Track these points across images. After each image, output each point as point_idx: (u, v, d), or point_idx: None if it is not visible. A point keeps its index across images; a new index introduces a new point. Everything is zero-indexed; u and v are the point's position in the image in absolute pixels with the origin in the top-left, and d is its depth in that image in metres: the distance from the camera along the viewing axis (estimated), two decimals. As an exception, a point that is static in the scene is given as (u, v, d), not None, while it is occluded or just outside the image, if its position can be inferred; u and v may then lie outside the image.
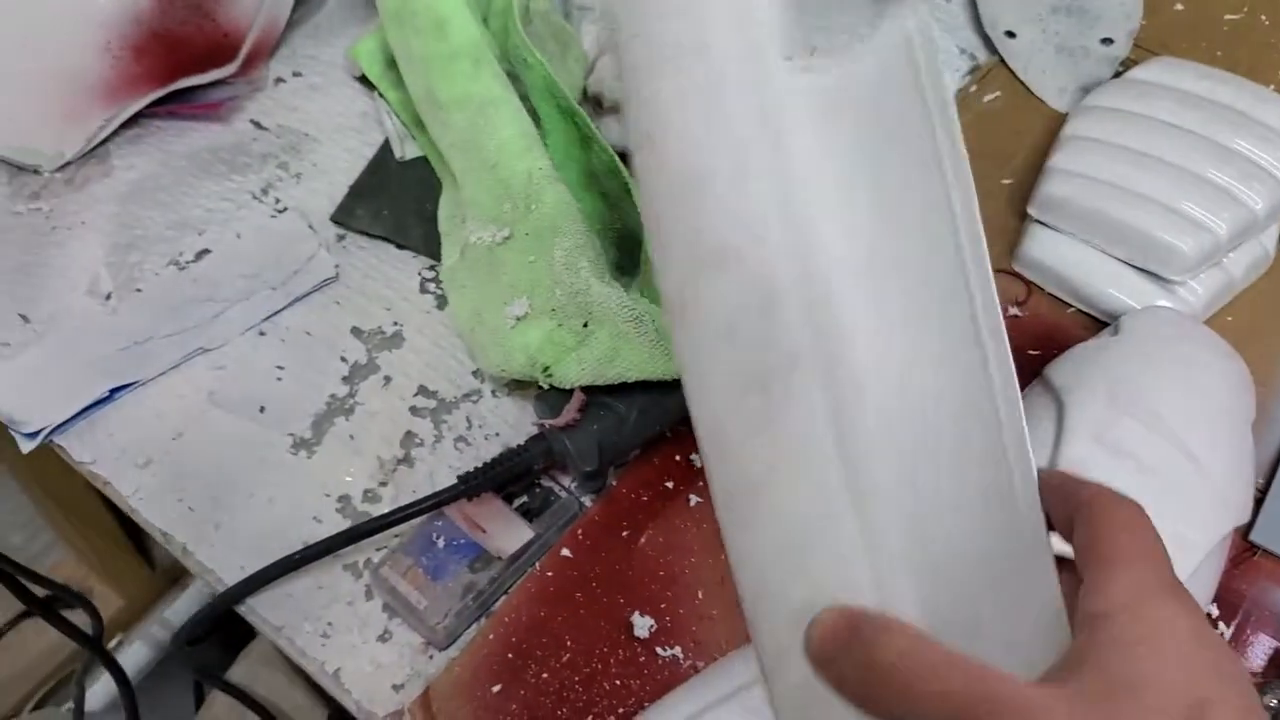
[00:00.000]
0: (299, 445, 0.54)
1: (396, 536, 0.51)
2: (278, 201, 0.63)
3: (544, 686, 0.48)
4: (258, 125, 0.67)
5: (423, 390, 0.56)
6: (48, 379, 0.56)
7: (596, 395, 0.51)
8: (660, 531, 0.52)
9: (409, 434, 0.55)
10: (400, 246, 0.61)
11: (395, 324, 0.59)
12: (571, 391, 0.51)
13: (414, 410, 0.56)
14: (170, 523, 0.52)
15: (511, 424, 0.55)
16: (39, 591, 0.71)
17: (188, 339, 0.57)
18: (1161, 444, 0.50)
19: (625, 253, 0.57)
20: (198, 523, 0.52)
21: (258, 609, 0.50)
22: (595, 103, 0.63)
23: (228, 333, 0.58)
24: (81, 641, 0.67)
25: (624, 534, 0.52)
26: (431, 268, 0.61)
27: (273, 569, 0.50)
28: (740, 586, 0.33)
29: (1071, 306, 0.59)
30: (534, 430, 0.54)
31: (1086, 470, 0.48)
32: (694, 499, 0.53)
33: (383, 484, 0.53)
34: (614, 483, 0.53)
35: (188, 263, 0.60)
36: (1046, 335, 0.58)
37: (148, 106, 0.65)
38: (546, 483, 0.53)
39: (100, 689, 0.96)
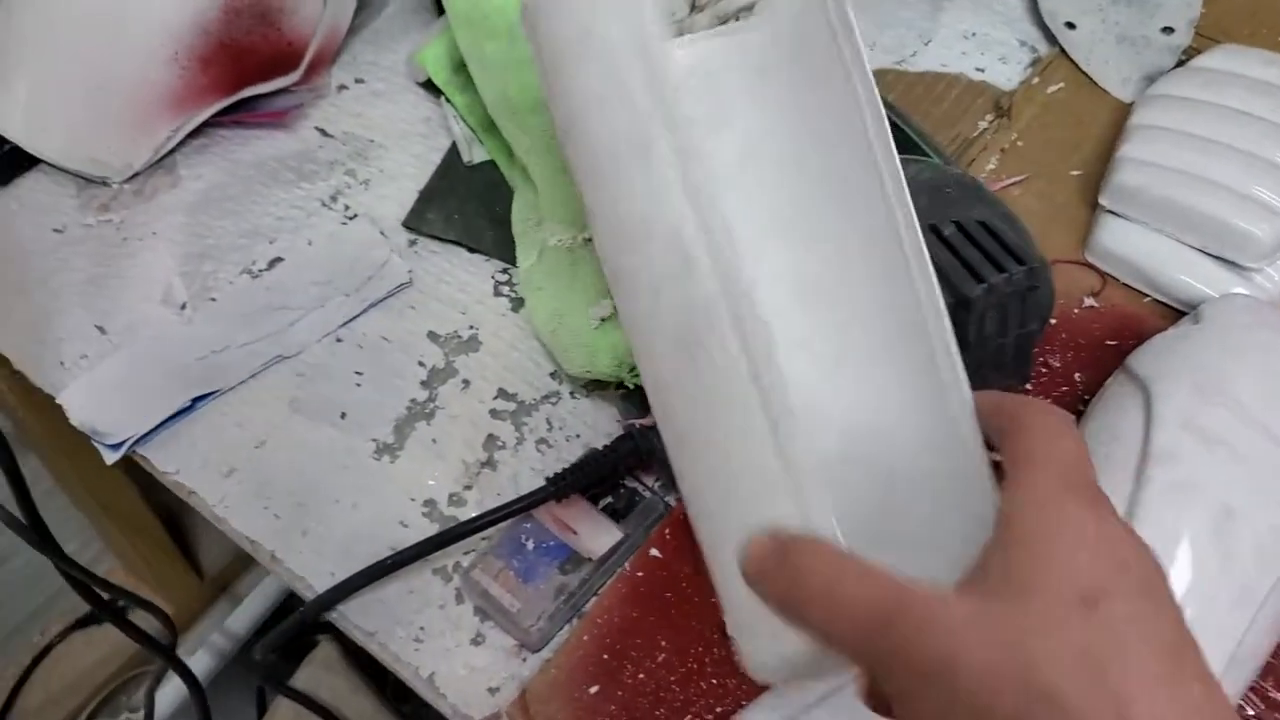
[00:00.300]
0: (382, 450, 0.55)
1: (484, 540, 0.52)
2: (347, 208, 0.63)
3: (640, 687, 0.48)
4: (323, 133, 0.67)
5: (502, 393, 0.56)
6: (128, 390, 0.56)
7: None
8: (747, 530, 0.52)
9: (490, 437, 0.55)
10: (472, 250, 0.61)
11: (471, 328, 0.59)
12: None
13: (494, 413, 0.56)
14: (257, 531, 0.52)
15: (591, 425, 0.55)
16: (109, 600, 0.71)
17: (265, 347, 0.57)
18: (1248, 431, 0.49)
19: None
20: (285, 531, 0.52)
21: (349, 615, 0.50)
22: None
23: (305, 340, 0.58)
24: (154, 649, 0.67)
25: (711, 533, 0.52)
26: (504, 271, 0.61)
27: (364, 574, 0.50)
28: (692, 519, 0.37)
29: (1147, 296, 0.59)
30: (615, 430, 0.54)
31: (1180, 460, 0.48)
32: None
33: (467, 487, 0.54)
34: (698, 482, 0.53)
35: (261, 271, 0.60)
36: (1123, 325, 0.58)
37: (212, 116, 0.65)
38: (631, 483, 0.53)
39: (161, 699, 0.97)
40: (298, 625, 0.51)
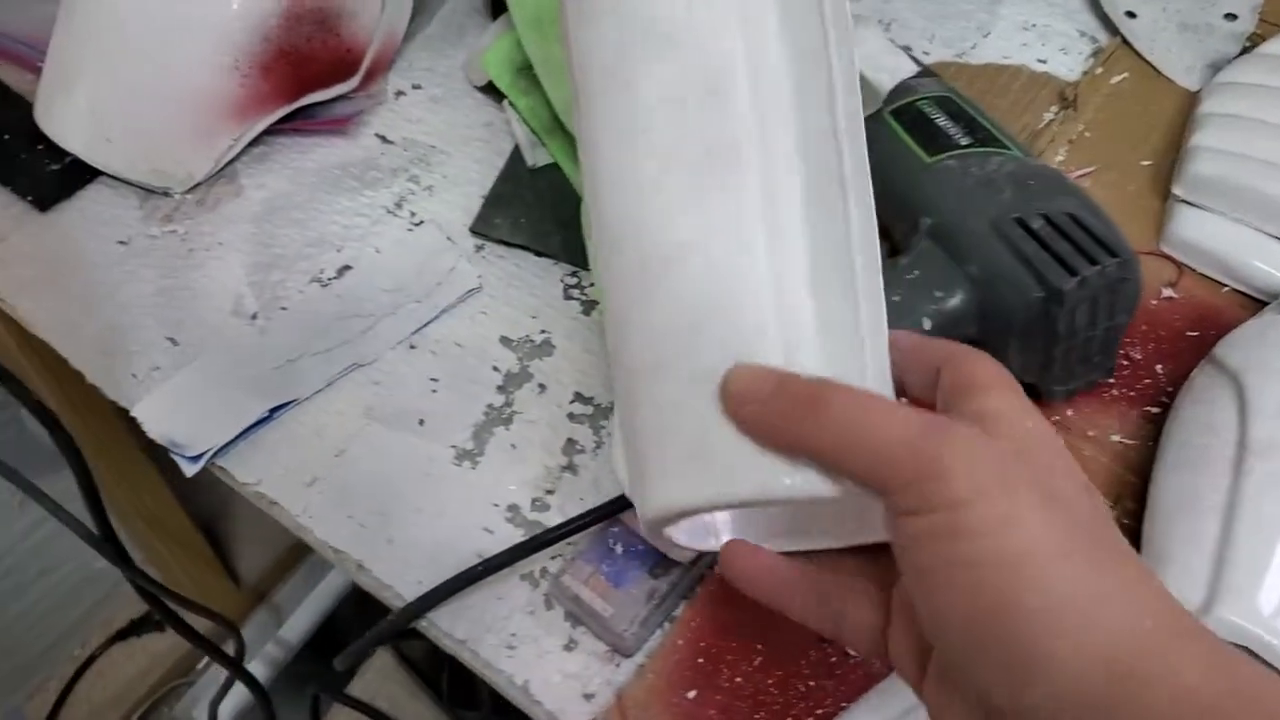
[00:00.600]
0: (462, 456, 0.54)
1: (570, 544, 0.51)
2: (413, 215, 0.63)
3: (738, 690, 0.47)
4: (384, 139, 0.67)
5: (579, 397, 0.56)
6: (204, 401, 0.56)
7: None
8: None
9: (570, 441, 0.55)
10: (539, 254, 0.61)
11: (543, 332, 0.58)
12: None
13: (572, 417, 0.55)
14: (342, 540, 0.52)
15: (671, 427, 0.55)
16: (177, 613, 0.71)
17: (339, 355, 0.57)
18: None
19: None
20: (370, 539, 0.52)
21: (438, 623, 0.50)
22: None
23: (378, 348, 0.57)
24: (223, 661, 0.67)
25: (800, 533, 0.51)
26: (574, 274, 0.60)
27: (455, 581, 0.49)
28: (627, 358, 0.37)
29: (1225, 286, 0.59)
30: (697, 433, 0.54)
31: None
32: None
33: (549, 492, 0.53)
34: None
35: (330, 279, 0.60)
36: (1202, 316, 0.58)
37: (271, 125, 0.65)
38: (716, 484, 0.53)
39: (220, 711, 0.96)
40: (388, 634, 0.51)
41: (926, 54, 0.69)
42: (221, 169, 0.65)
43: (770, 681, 0.48)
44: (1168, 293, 0.59)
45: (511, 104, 0.64)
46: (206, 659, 1.24)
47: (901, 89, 0.57)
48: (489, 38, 0.68)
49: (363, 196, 0.64)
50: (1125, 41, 0.69)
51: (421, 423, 0.55)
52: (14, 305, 0.60)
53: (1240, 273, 0.58)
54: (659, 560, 0.50)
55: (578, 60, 0.39)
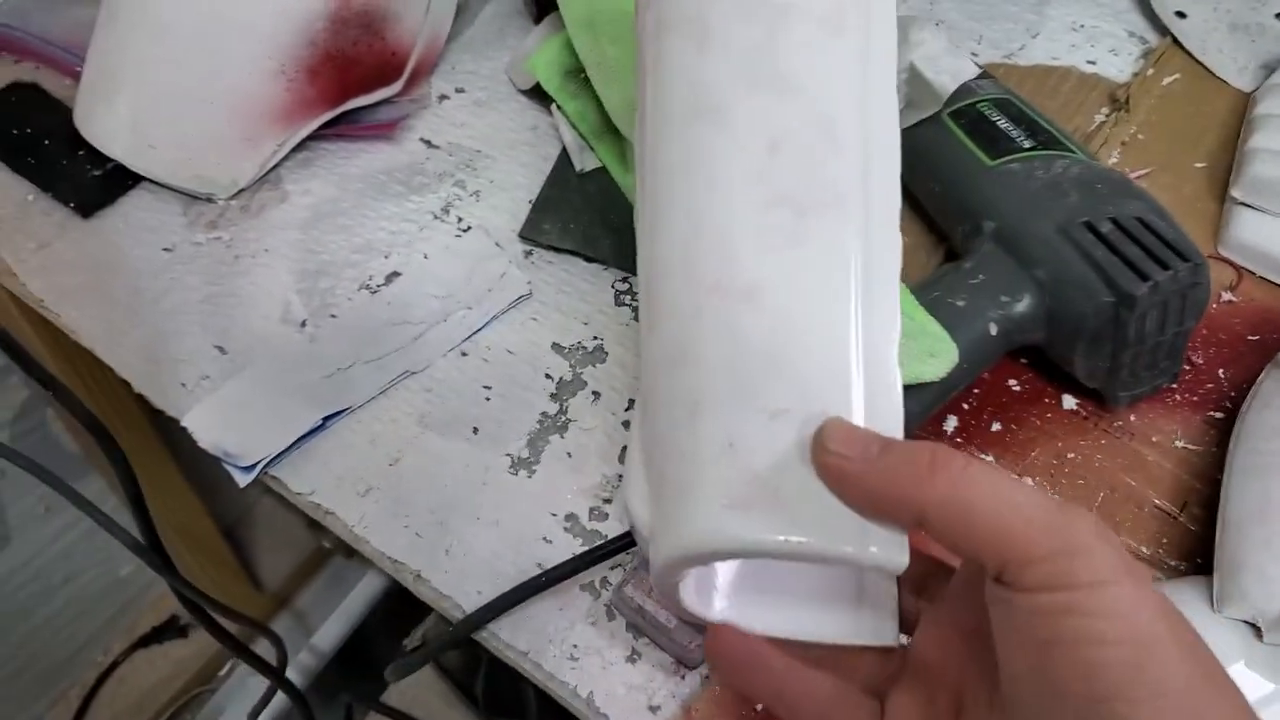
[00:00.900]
0: (518, 465, 0.54)
1: (630, 554, 0.51)
2: (460, 220, 0.62)
3: (807, 702, 0.47)
4: (429, 144, 0.66)
5: (633, 404, 0.55)
6: (255, 410, 0.55)
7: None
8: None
9: (626, 449, 0.54)
10: (589, 260, 0.60)
11: (595, 338, 0.58)
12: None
13: (627, 425, 0.55)
14: (399, 550, 0.51)
15: (728, 435, 0.54)
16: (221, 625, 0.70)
17: (391, 363, 0.56)
18: None
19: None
20: (428, 549, 0.51)
21: (499, 634, 0.49)
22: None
23: (430, 355, 0.57)
24: (265, 672, 0.66)
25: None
26: (624, 280, 0.60)
27: (517, 592, 0.49)
28: (681, 387, 0.35)
29: (1287, 289, 0.58)
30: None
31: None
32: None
33: (607, 500, 0.53)
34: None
35: (379, 286, 0.59)
36: (1264, 320, 0.57)
37: (316, 130, 0.64)
38: (776, 493, 0.52)
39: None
40: (448, 644, 0.50)
41: (975, 55, 0.68)
42: (266, 175, 0.64)
43: (839, 693, 0.47)
44: (1228, 296, 0.58)
45: (559, 107, 0.64)
46: (229, 666, 1.24)
47: (960, 91, 0.56)
48: (532, 40, 0.67)
49: (409, 202, 0.63)
50: (1176, 42, 0.68)
51: (475, 431, 0.55)
52: (57, 313, 0.60)
53: (1302, 276, 0.57)
54: (722, 570, 0.49)
55: (660, 77, 0.38)
